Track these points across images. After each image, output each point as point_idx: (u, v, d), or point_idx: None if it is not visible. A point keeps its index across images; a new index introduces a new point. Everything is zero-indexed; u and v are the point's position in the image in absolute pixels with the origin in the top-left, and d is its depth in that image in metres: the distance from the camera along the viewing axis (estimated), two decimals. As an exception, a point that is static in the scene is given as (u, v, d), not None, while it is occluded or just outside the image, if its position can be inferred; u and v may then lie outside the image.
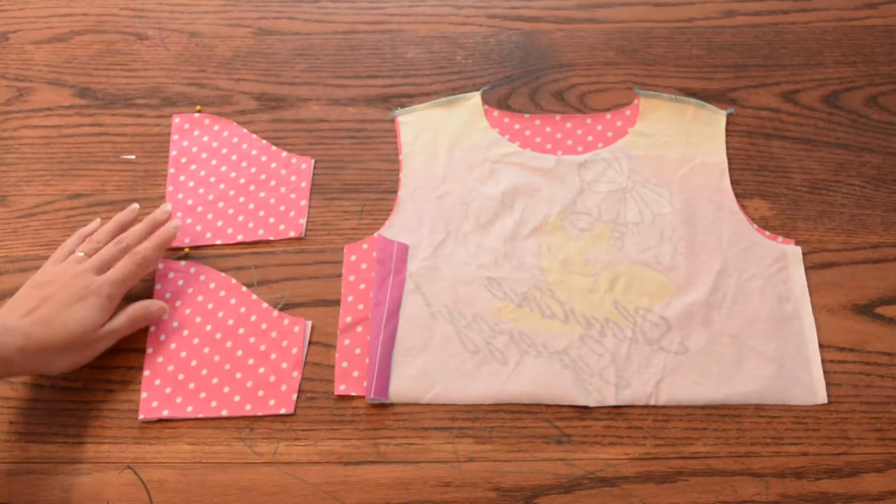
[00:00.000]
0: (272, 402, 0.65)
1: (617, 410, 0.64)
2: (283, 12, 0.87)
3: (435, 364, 0.66)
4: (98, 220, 0.72)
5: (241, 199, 0.75)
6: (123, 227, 0.71)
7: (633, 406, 0.65)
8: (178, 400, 0.66)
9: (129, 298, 0.70)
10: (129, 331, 0.67)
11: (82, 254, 0.68)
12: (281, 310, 0.69)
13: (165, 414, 0.65)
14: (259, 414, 0.65)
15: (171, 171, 0.77)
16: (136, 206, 0.73)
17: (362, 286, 0.70)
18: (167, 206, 0.72)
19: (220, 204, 0.75)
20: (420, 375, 0.66)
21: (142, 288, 0.71)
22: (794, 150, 0.76)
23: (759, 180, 0.75)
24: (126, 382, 0.67)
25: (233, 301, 0.70)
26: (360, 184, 0.76)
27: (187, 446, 0.64)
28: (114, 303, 0.66)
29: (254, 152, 0.78)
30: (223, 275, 0.71)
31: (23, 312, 0.63)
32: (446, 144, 0.77)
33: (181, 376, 0.67)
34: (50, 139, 0.79)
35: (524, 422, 0.64)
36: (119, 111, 0.81)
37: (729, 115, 0.78)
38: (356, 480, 0.62)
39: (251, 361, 0.67)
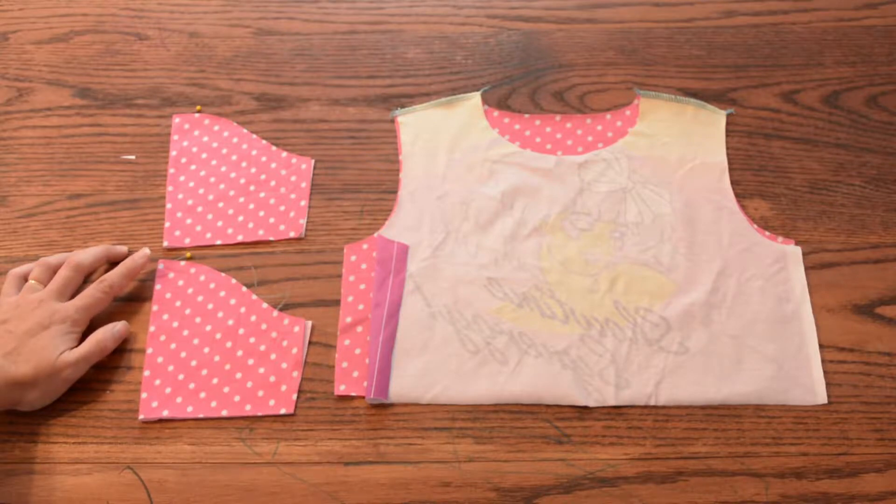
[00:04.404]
0: (272, 403, 0.65)
1: (617, 411, 0.64)
2: (283, 12, 0.87)
3: (435, 364, 0.66)
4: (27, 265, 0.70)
5: (241, 200, 0.75)
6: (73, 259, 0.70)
7: (633, 406, 0.65)
8: (178, 400, 0.66)
9: (133, 299, 0.71)
10: (99, 356, 0.66)
11: (34, 281, 0.68)
12: (281, 310, 0.69)
13: (165, 414, 0.65)
14: (259, 414, 0.65)
15: (171, 171, 0.77)
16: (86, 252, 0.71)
17: (362, 286, 0.70)
18: (146, 251, 0.71)
19: (220, 204, 0.75)
20: (420, 375, 0.66)
21: (142, 288, 0.71)
22: (794, 150, 0.76)
23: (759, 180, 0.75)
24: (126, 382, 0.67)
25: (233, 301, 0.70)
26: (360, 184, 0.76)
27: (187, 446, 0.64)
28: (79, 328, 0.66)
29: (254, 152, 0.78)
30: (223, 275, 0.71)
31: None
32: (446, 145, 0.77)
33: (181, 376, 0.67)
34: (50, 139, 0.79)
35: (524, 422, 0.64)
36: (119, 111, 0.81)
37: (729, 116, 0.78)
38: (356, 480, 0.62)
39: (251, 362, 0.67)
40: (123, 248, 0.72)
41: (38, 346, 0.63)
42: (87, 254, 0.70)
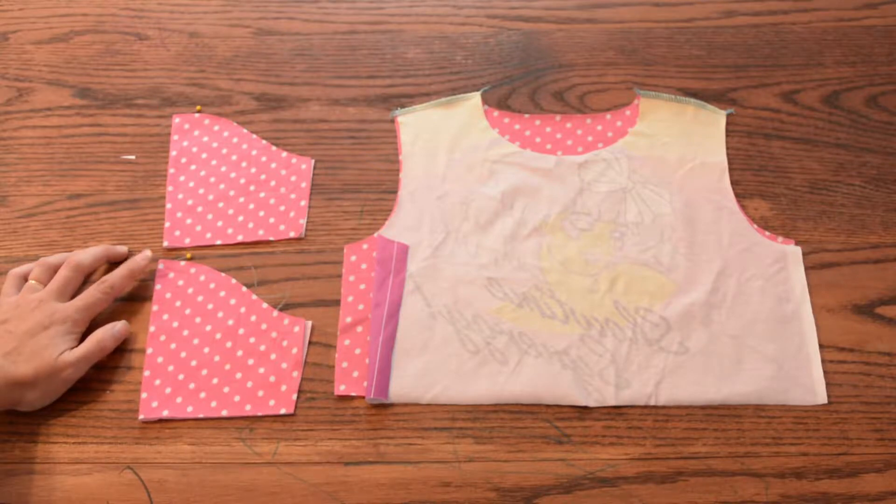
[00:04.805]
0: (272, 403, 0.65)
1: (617, 411, 0.64)
2: (283, 12, 0.87)
3: (435, 364, 0.66)
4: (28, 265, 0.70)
5: (241, 200, 0.75)
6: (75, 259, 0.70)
7: (633, 406, 0.65)
8: (178, 400, 0.66)
9: (133, 299, 0.71)
10: (100, 356, 0.66)
11: (34, 281, 0.68)
12: (281, 310, 0.69)
13: (165, 414, 0.65)
14: (259, 414, 0.65)
15: (171, 171, 0.77)
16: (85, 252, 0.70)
17: (362, 286, 0.70)
18: (147, 253, 0.71)
19: (220, 204, 0.75)
20: (420, 375, 0.66)
21: (142, 288, 0.71)
22: (794, 150, 0.76)
23: (759, 180, 0.75)
24: (126, 382, 0.67)
25: (233, 301, 0.70)
26: (360, 184, 0.76)
27: (187, 446, 0.64)
28: (79, 329, 0.66)
29: (254, 152, 0.78)
30: (223, 275, 0.71)
31: None
32: (446, 145, 0.77)
33: (181, 376, 0.67)
34: (50, 139, 0.79)
35: (524, 422, 0.64)
36: (119, 111, 0.81)
37: (729, 115, 0.78)
38: (356, 480, 0.62)
39: (251, 362, 0.67)
40: (123, 249, 0.72)
41: (38, 346, 0.63)
42: (87, 254, 0.70)
